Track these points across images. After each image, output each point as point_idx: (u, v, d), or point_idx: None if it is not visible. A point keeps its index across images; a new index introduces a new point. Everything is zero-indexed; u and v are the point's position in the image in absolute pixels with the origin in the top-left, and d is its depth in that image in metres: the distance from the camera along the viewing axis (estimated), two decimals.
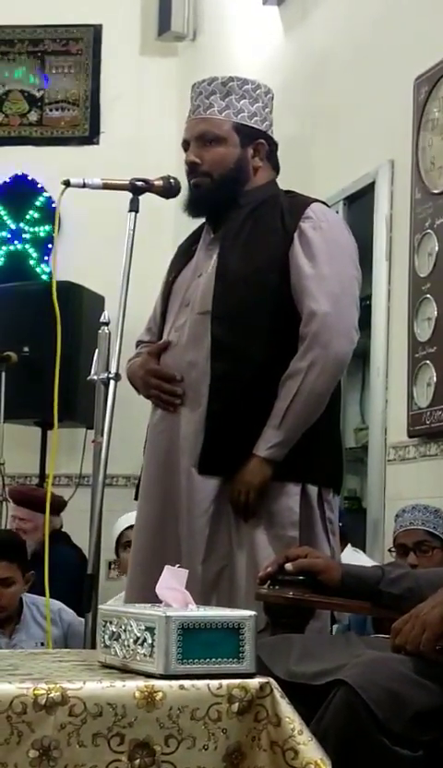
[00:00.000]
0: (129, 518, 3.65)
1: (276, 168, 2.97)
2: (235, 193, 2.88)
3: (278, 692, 1.65)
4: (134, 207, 2.83)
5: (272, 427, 2.72)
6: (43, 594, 3.04)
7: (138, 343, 3.09)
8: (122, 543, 4.27)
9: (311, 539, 2.74)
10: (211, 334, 2.78)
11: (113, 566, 5.66)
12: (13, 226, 6.28)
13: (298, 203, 2.88)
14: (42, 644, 3.44)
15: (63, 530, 4.89)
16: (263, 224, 2.84)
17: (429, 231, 3.73)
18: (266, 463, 2.72)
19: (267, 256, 2.80)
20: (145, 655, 1.65)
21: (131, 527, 4.44)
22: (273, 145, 2.95)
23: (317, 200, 2.93)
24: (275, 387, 2.74)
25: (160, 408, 2.88)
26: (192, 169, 2.89)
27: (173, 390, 2.83)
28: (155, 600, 1.76)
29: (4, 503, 4.94)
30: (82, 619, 3.14)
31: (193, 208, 2.93)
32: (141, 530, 2.89)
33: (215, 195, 2.88)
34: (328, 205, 3.04)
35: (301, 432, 2.74)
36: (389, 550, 3.48)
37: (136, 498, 3.00)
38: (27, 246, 6.27)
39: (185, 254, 3.01)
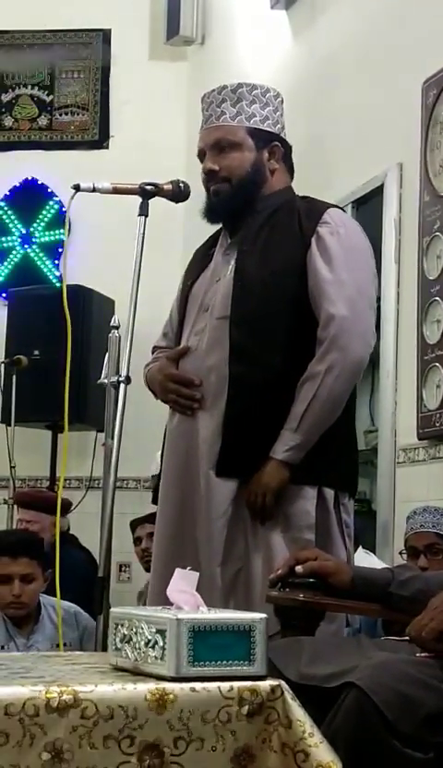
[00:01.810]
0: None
1: (291, 171, 2.99)
2: (254, 196, 2.90)
3: (289, 695, 1.65)
4: (143, 211, 2.84)
5: (290, 430, 2.73)
6: (54, 595, 3.05)
7: (155, 349, 3.11)
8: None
9: (327, 542, 2.75)
10: (229, 338, 2.80)
11: (123, 569, 5.68)
12: (23, 230, 6.30)
13: (315, 208, 2.90)
14: (57, 646, 3.45)
15: (70, 532, 4.90)
16: (280, 229, 2.86)
17: (438, 233, 3.74)
18: (283, 466, 2.73)
19: (284, 260, 2.82)
20: (156, 658, 1.66)
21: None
22: (287, 147, 2.98)
23: (334, 206, 2.96)
24: (292, 390, 2.76)
25: (177, 412, 2.89)
26: (210, 177, 2.91)
27: (192, 395, 2.84)
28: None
29: (14, 506, 4.94)
30: None
31: (213, 214, 2.95)
32: (161, 533, 2.91)
33: (234, 200, 2.90)
34: (344, 210, 3.05)
35: (318, 435, 2.75)
36: (400, 553, 3.48)
37: (153, 502, 3.01)
38: (37, 249, 6.29)
39: (202, 259, 3.03)
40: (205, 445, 2.79)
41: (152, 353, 3.10)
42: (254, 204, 2.90)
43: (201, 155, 2.95)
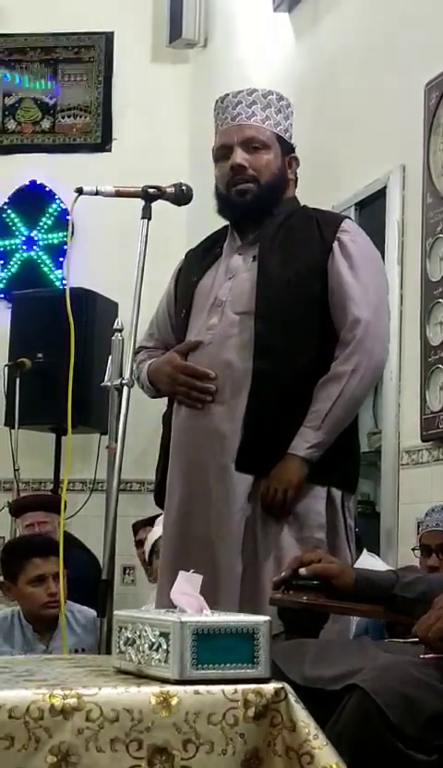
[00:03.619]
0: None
1: (296, 185, 3.04)
2: (276, 200, 2.95)
3: (292, 697, 1.65)
4: (146, 214, 2.85)
5: (312, 428, 2.75)
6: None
7: (141, 349, 3.07)
8: (156, 550, 4.28)
9: (336, 543, 2.77)
10: (255, 333, 2.82)
11: (128, 571, 5.67)
12: (26, 233, 6.31)
13: (331, 216, 3.01)
14: (77, 651, 3.43)
15: (69, 532, 4.87)
16: (298, 233, 2.90)
17: (441, 235, 3.74)
18: (304, 463, 2.75)
19: (306, 262, 2.86)
20: (160, 661, 1.66)
21: None
22: (298, 162, 3.04)
23: (348, 217, 3.06)
24: (312, 389, 2.78)
25: (185, 405, 2.89)
26: (238, 172, 2.92)
27: (206, 388, 2.84)
28: None
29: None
30: None
31: (233, 212, 2.96)
32: (170, 527, 2.92)
33: (260, 201, 2.93)
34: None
35: (336, 435, 2.78)
36: (413, 549, 3.47)
37: (156, 502, 3.01)
38: (40, 253, 6.29)
39: (203, 257, 3.04)
40: (222, 439, 2.80)
41: (137, 353, 3.04)
42: (272, 207, 2.94)
43: (225, 149, 2.95)
